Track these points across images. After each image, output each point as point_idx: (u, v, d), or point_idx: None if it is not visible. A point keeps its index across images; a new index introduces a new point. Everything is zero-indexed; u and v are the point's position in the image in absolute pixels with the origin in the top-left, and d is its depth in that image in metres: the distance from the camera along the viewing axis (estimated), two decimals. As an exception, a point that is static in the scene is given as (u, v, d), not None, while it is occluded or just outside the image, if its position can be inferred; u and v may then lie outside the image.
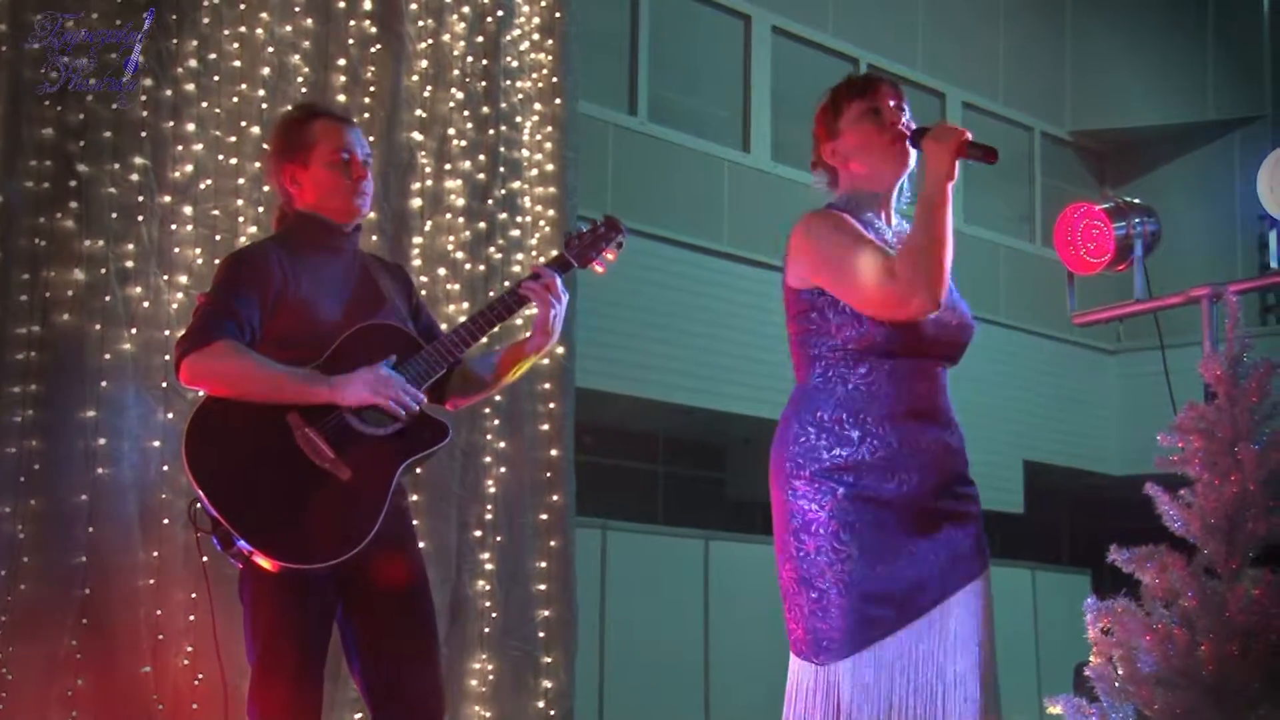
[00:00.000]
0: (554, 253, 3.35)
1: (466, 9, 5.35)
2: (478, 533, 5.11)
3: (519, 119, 5.48)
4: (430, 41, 5.24)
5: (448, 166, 5.25)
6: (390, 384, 2.89)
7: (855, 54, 9.77)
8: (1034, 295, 9.92)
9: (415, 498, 4.81)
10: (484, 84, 5.37)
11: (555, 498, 5.36)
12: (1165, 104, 11.09)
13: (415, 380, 2.96)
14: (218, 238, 4.60)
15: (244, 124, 4.72)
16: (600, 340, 7.28)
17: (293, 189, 3.08)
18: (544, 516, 5.32)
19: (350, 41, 5.03)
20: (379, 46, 5.09)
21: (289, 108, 4.19)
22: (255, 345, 2.90)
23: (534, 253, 5.41)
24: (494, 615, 5.08)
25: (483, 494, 5.15)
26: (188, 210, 4.58)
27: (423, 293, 4.98)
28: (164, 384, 4.39)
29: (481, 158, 5.34)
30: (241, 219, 4.67)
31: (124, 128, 4.45)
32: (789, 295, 2.69)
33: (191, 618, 4.25)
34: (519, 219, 5.43)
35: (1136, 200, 4.87)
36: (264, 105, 4.75)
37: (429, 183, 5.19)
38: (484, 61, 5.38)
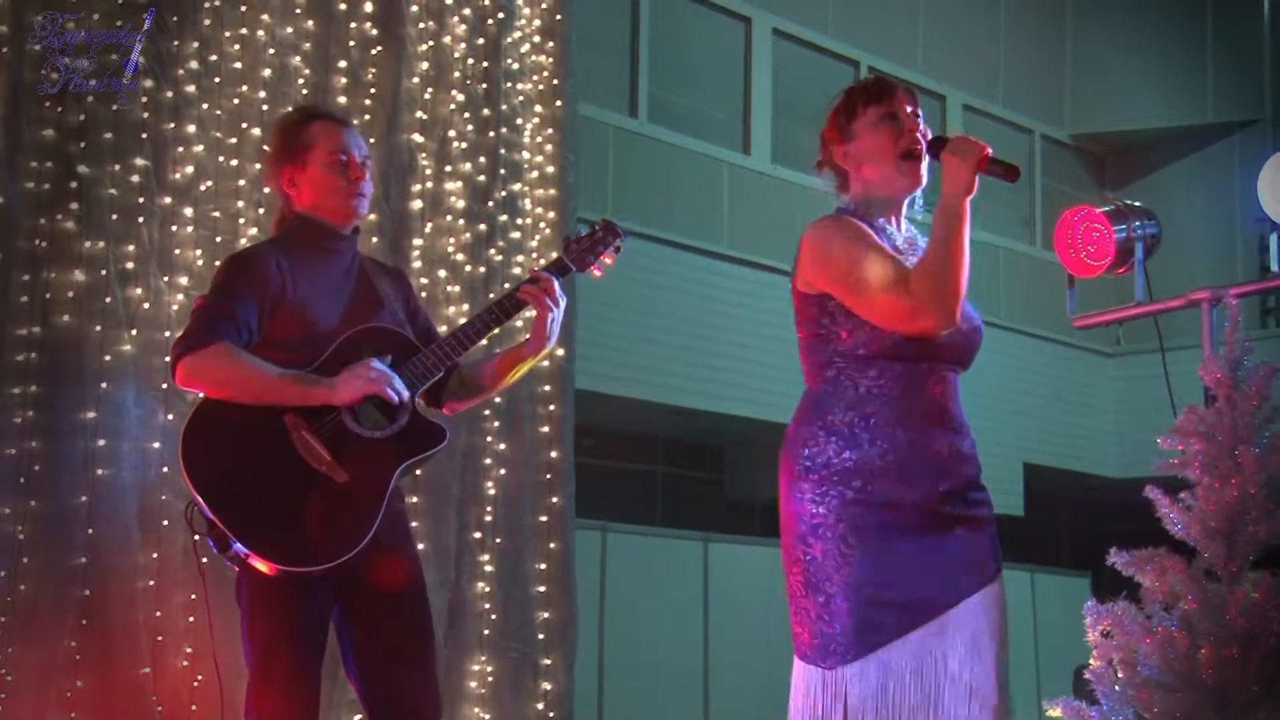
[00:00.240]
0: (553, 256, 3.35)
1: (467, 11, 5.36)
2: (477, 534, 5.11)
3: (519, 121, 5.48)
4: (431, 43, 5.24)
5: (448, 168, 5.25)
6: (384, 372, 2.89)
7: (855, 56, 9.77)
8: (1034, 298, 9.93)
9: (415, 499, 4.81)
10: (484, 86, 5.37)
11: (555, 499, 5.35)
12: (1166, 107, 11.09)
13: (412, 383, 2.96)
14: (218, 239, 4.60)
15: (245, 125, 4.72)
16: (600, 342, 7.27)
17: (291, 191, 3.08)
18: (543, 518, 5.32)
19: (351, 43, 5.03)
20: (380, 48, 5.09)
21: (288, 110, 4.19)
22: (253, 347, 2.90)
23: (534, 255, 5.41)
24: (493, 617, 5.08)
25: (482, 496, 5.15)
26: (188, 211, 4.58)
27: (423, 295, 4.99)
28: (164, 385, 4.38)
29: (482, 160, 5.33)
30: (242, 220, 4.67)
31: (124, 129, 4.45)
32: (798, 300, 2.67)
33: (191, 619, 4.25)
34: (519, 221, 5.43)
35: (1137, 203, 4.87)
36: (265, 107, 4.75)
37: (429, 184, 5.19)
38: (485, 63, 5.38)
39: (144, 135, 4.49)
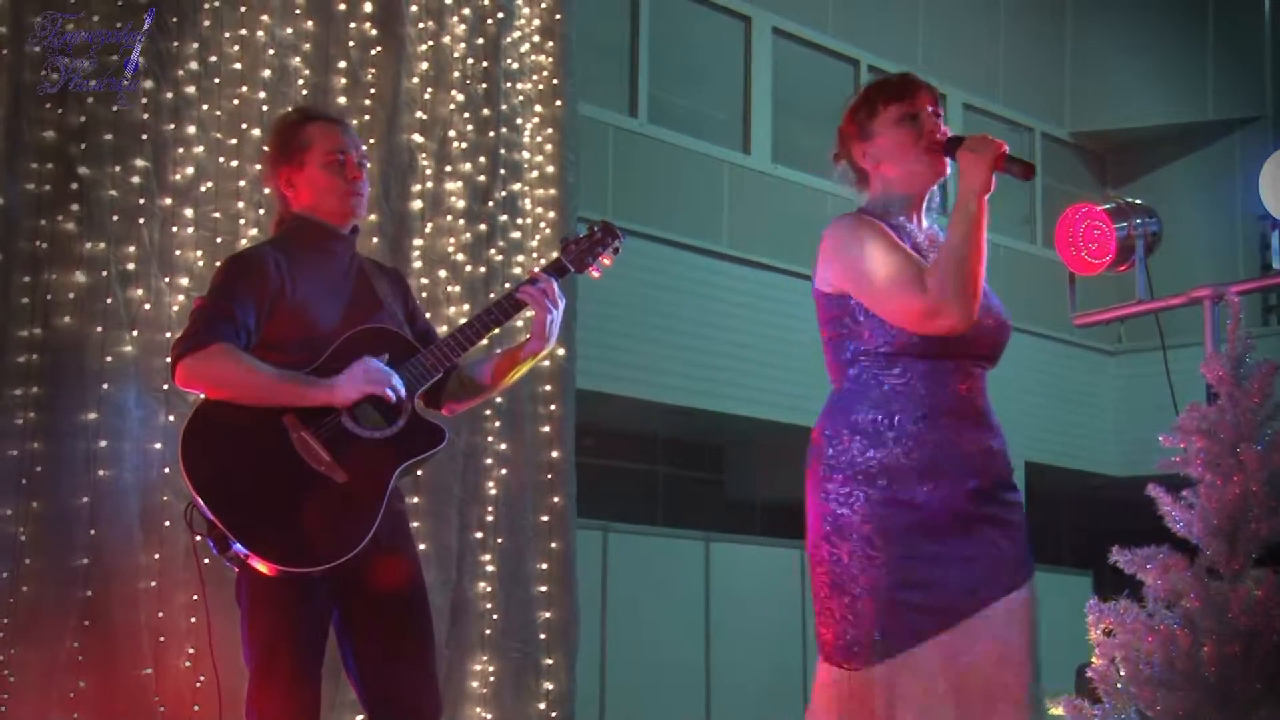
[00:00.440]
0: (552, 257, 3.36)
1: (467, 11, 5.35)
2: (478, 534, 5.11)
3: (519, 121, 5.48)
4: (431, 44, 5.24)
5: (448, 168, 5.25)
6: (383, 372, 2.89)
7: (855, 55, 9.77)
8: (1035, 296, 9.93)
9: (416, 499, 4.81)
10: (484, 86, 5.37)
11: (556, 499, 5.35)
12: (1166, 104, 11.09)
13: (411, 384, 2.95)
14: (219, 240, 4.60)
15: (244, 126, 4.72)
16: (600, 342, 7.28)
17: (289, 192, 3.08)
18: (545, 518, 5.32)
19: (351, 44, 5.03)
20: (379, 49, 5.09)
21: (285, 111, 4.19)
22: (252, 348, 2.90)
23: (534, 255, 5.41)
24: (495, 617, 5.08)
25: (483, 496, 5.15)
26: (188, 212, 4.58)
27: (423, 295, 4.99)
28: (165, 386, 4.38)
29: (482, 160, 5.33)
30: (242, 221, 4.67)
31: (125, 130, 4.45)
32: (819, 300, 2.64)
33: (193, 620, 4.25)
34: (519, 221, 5.43)
35: (1138, 201, 4.86)
36: (264, 107, 4.75)
37: (429, 185, 5.19)
38: (484, 63, 5.38)
39: (144, 136, 4.49)
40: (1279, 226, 4.74)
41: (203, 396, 2.92)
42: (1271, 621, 3.92)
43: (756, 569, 8.58)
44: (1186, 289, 4.71)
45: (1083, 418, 10.42)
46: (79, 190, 4.37)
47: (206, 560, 3.04)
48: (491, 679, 5.03)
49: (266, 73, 4.79)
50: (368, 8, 5.07)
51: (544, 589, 5.26)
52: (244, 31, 4.75)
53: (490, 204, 5.34)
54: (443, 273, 5.15)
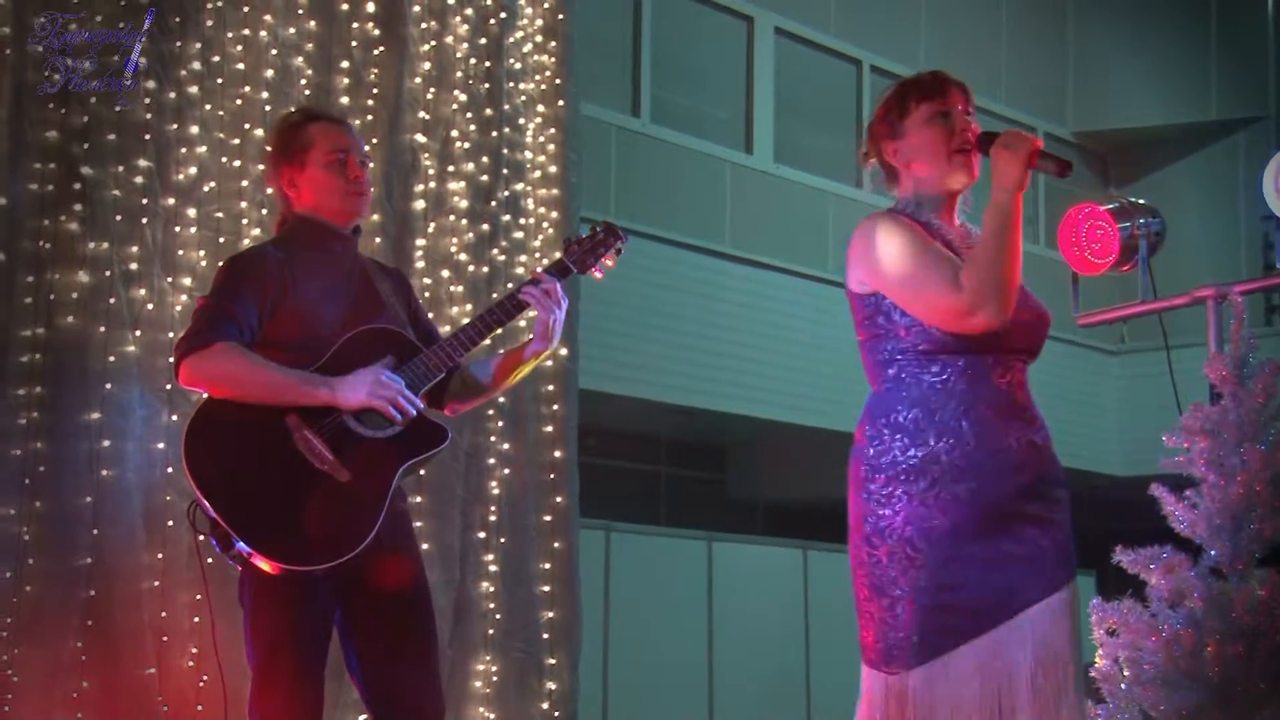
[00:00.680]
0: (554, 257, 3.36)
1: (469, 11, 5.36)
2: (481, 534, 5.11)
3: (522, 121, 5.48)
4: (433, 43, 5.24)
5: (451, 168, 5.25)
6: (389, 387, 2.89)
7: (858, 55, 9.77)
8: (1038, 296, 9.93)
9: (418, 499, 4.81)
10: (487, 86, 5.37)
11: (559, 499, 5.35)
12: (1168, 104, 11.09)
13: (414, 384, 2.95)
14: (221, 240, 4.60)
15: (247, 126, 4.72)
16: (603, 342, 7.28)
17: (291, 192, 3.08)
18: (547, 518, 5.32)
19: (353, 43, 5.03)
20: (382, 49, 5.09)
21: (287, 111, 4.19)
22: (254, 348, 2.90)
23: (537, 254, 5.41)
24: (497, 617, 5.08)
25: (486, 495, 5.15)
26: (191, 212, 4.58)
27: (426, 295, 5.00)
28: (168, 386, 4.38)
29: (484, 159, 5.34)
30: (245, 221, 4.67)
31: (128, 130, 4.45)
32: (853, 301, 2.61)
33: (196, 619, 4.25)
34: (522, 221, 5.43)
35: (1141, 201, 4.86)
36: (267, 107, 4.75)
37: (432, 185, 5.19)
38: (487, 63, 5.38)
39: (147, 136, 4.49)
40: (1282, 226, 4.74)
41: (205, 395, 2.92)
42: (1275, 621, 3.92)
43: (759, 569, 8.58)
44: (1190, 289, 4.71)
45: (1086, 417, 10.41)
46: (82, 190, 4.37)
47: (209, 560, 3.04)
48: (494, 679, 5.04)
49: (269, 73, 4.79)
50: (370, 8, 5.07)
51: (547, 589, 5.26)
52: (246, 31, 4.76)
53: (493, 204, 5.34)
54: (445, 272, 5.16)
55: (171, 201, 4.54)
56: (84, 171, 4.38)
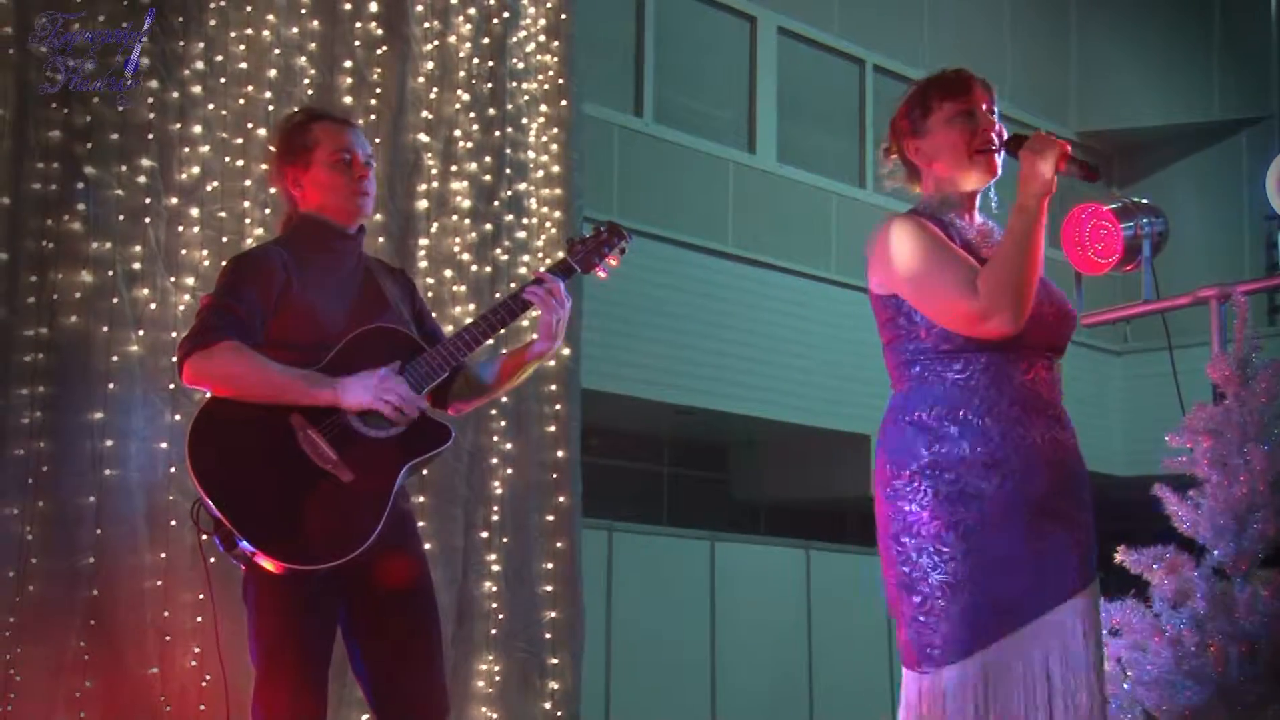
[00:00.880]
0: (558, 257, 3.36)
1: (472, 11, 5.36)
2: (484, 534, 5.11)
3: (525, 120, 5.48)
4: (436, 43, 5.24)
5: (454, 168, 5.25)
6: (392, 388, 2.89)
7: (861, 55, 9.77)
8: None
9: (421, 499, 4.81)
10: (490, 86, 5.37)
11: (561, 499, 5.35)
12: (1171, 104, 11.08)
13: (417, 384, 2.95)
14: (224, 239, 4.61)
15: (250, 126, 4.72)
16: (605, 342, 7.28)
17: (295, 192, 3.08)
18: (550, 518, 5.32)
19: (356, 43, 5.03)
20: (385, 48, 5.09)
21: (291, 111, 4.19)
22: (258, 347, 2.90)
23: (540, 254, 5.41)
24: (500, 616, 5.08)
25: (489, 495, 5.15)
26: (194, 212, 4.58)
27: (429, 295, 4.99)
28: (171, 386, 4.39)
29: (487, 159, 5.34)
30: (248, 220, 4.67)
31: (131, 130, 4.46)
32: (874, 302, 2.60)
33: (199, 619, 4.25)
34: (525, 221, 5.43)
35: (1144, 200, 4.85)
36: (270, 107, 4.75)
37: (435, 184, 5.19)
38: (490, 63, 5.38)
39: (150, 136, 4.49)
40: (1285, 226, 4.73)
41: (209, 394, 2.92)
42: (1278, 621, 3.92)
43: (761, 569, 8.58)
44: (1193, 289, 4.71)
45: (1088, 417, 10.40)
46: (85, 190, 4.38)
47: (212, 559, 3.04)
48: (497, 678, 5.04)
49: (272, 72, 4.79)
50: (373, 7, 5.08)
51: (549, 588, 5.26)
52: (249, 31, 4.76)
53: (496, 203, 5.34)
54: (448, 272, 5.16)
55: (174, 201, 4.54)
56: (87, 171, 4.38)
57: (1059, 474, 2.51)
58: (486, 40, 5.39)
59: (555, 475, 5.36)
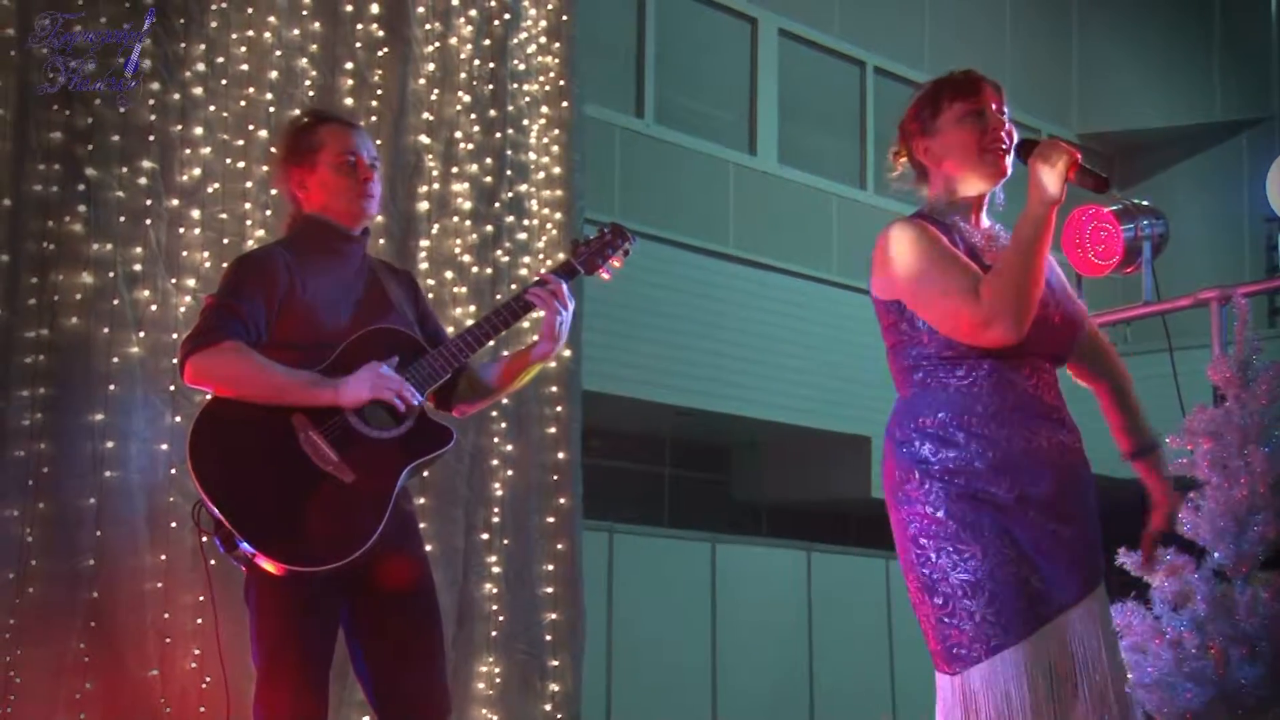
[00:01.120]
0: (561, 258, 3.35)
1: (473, 12, 5.36)
2: (484, 536, 5.11)
3: (526, 122, 5.48)
4: (437, 45, 5.25)
5: (455, 169, 5.25)
6: (392, 379, 2.89)
7: (862, 57, 9.77)
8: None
9: (422, 501, 4.81)
10: (491, 87, 5.38)
11: (562, 500, 5.35)
12: (1172, 106, 11.08)
13: (420, 384, 2.96)
14: (225, 241, 4.61)
15: (251, 127, 4.72)
16: (606, 343, 7.28)
17: (300, 193, 3.09)
18: (550, 519, 5.32)
19: (358, 45, 5.03)
20: (386, 50, 5.09)
21: (295, 113, 4.19)
22: (261, 348, 2.90)
23: (541, 256, 5.42)
24: (500, 618, 5.08)
25: (489, 497, 5.15)
26: (195, 214, 4.58)
27: (430, 296, 4.98)
28: (171, 387, 4.39)
29: (488, 161, 5.34)
30: (249, 222, 4.67)
31: (132, 131, 4.46)
32: (877, 307, 2.60)
33: (199, 621, 4.25)
34: (526, 222, 5.43)
35: (1144, 202, 4.86)
36: (271, 109, 4.75)
37: (436, 186, 5.19)
38: (491, 65, 5.39)
39: (151, 138, 4.49)
40: (1286, 228, 4.73)
41: (210, 395, 2.92)
42: (1279, 623, 3.92)
43: (762, 571, 8.58)
44: (1193, 291, 4.71)
45: (1089, 420, 10.37)
46: (86, 191, 4.38)
47: (213, 561, 3.04)
48: (497, 680, 5.04)
49: (273, 74, 4.79)
50: (374, 9, 5.08)
51: (550, 590, 5.26)
52: (251, 33, 4.76)
53: (497, 205, 5.34)
54: (449, 274, 5.16)
55: (175, 203, 4.54)
56: (88, 173, 4.38)
57: (1066, 476, 2.52)
58: (488, 42, 5.39)
59: (556, 477, 5.36)
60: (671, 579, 8.06)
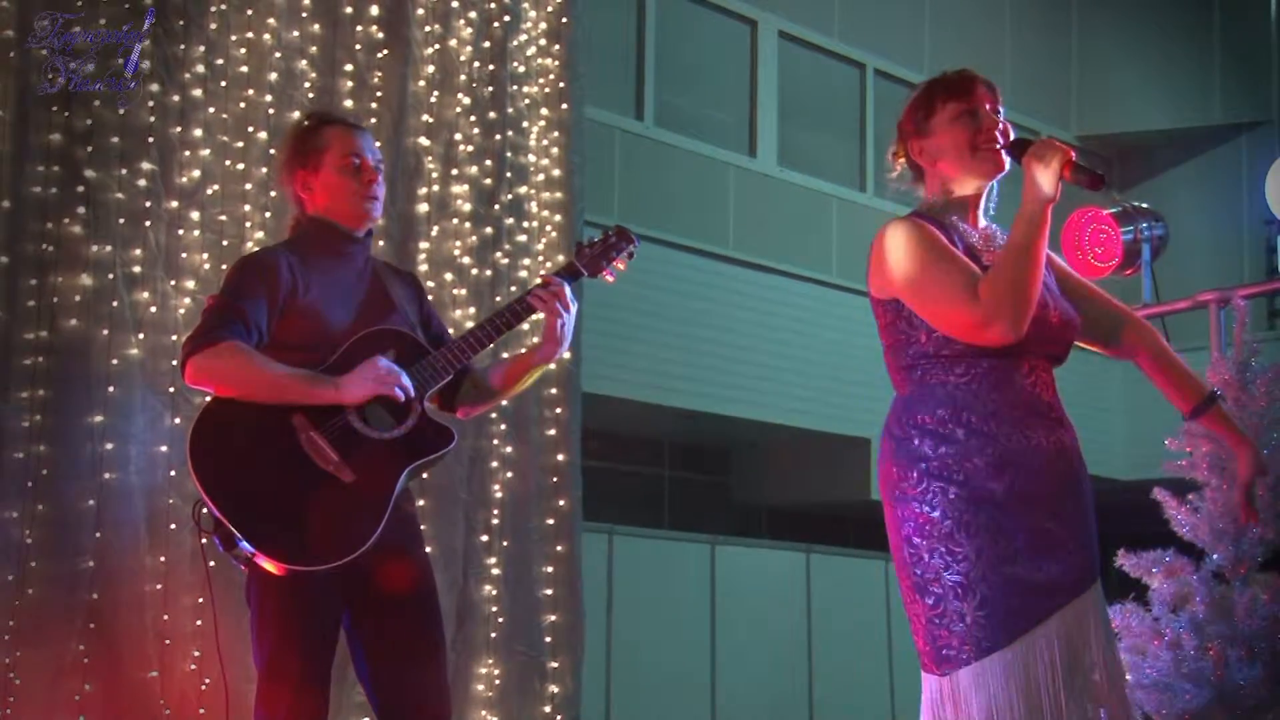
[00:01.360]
0: (564, 260, 3.35)
1: (473, 14, 5.36)
2: (484, 537, 5.11)
3: (525, 124, 5.48)
4: (437, 47, 5.25)
5: (454, 171, 5.26)
6: (392, 372, 2.90)
7: (861, 59, 9.77)
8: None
9: (422, 502, 4.81)
10: (490, 89, 5.38)
11: (562, 502, 5.35)
12: (1172, 108, 11.08)
13: (422, 385, 2.96)
14: (225, 243, 4.61)
15: (251, 129, 4.72)
16: (606, 345, 7.28)
17: (304, 195, 3.09)
18: (550, 521, 5.32)
19: (357, 47, 5.03)
20: (386, 52, 5.09)
21: (299, 115, 4.19)
22: (263, 348, 2.91)
23: (540, 258, 5.42)
24: (500, 620, 5.08)
25: (489, 499, 5.15)
26: (195, 215, 4.59)
27: (430, 298, 4.99)
28: (171, 389, 4.39)
29: (488, 163, 5.34)
30: (249, 224, 4.68)
31: (131, 133, 4.46)
32: (875, 306, 2.61)
33: (199, 622, 4.25)
34: (526, 224, 5.43)
35: (1144, 205, 4.86)
36: (271, 111, 4.76)
37: (435, 188, 5.19)
38: (491, 67, 5.39)
39: (150, 139, 4.50)
40: (1285, 230, 4.74)
41: (211, 396, 2.93)
42: (1277, 624, 3.92)
43: (762, 573, 8.57)
44: (1192, 293, 4.72)
45: (1089, 421, 10.37)
46: (85, 193, 4.38)
47: (213, 562, 3.04)
48: (497, 682, 5.04)
49: (273, 76, 4.79)
50: (374, 11, 5.08)
51: (549, 592, 5.27)
52: (250, 35, 4.76)
53: (496, 207, 5.34)
54: (449, 276, 5.16)
55: (175, 204, 4.55)
56: (87, 174, 4.38)
57: (1063, 475, 2.52)
58: (487, 44, 5.40)
59: (556, 479, 5.36)
60: (671, 581, 8.05)
